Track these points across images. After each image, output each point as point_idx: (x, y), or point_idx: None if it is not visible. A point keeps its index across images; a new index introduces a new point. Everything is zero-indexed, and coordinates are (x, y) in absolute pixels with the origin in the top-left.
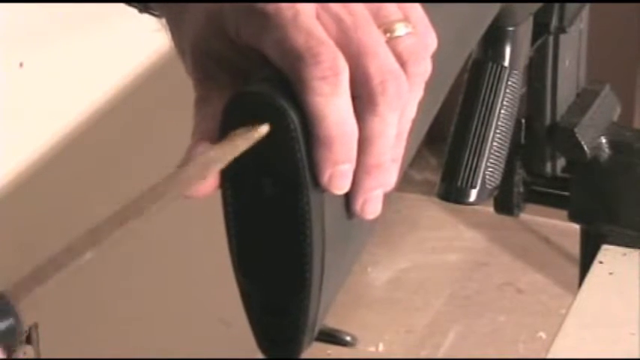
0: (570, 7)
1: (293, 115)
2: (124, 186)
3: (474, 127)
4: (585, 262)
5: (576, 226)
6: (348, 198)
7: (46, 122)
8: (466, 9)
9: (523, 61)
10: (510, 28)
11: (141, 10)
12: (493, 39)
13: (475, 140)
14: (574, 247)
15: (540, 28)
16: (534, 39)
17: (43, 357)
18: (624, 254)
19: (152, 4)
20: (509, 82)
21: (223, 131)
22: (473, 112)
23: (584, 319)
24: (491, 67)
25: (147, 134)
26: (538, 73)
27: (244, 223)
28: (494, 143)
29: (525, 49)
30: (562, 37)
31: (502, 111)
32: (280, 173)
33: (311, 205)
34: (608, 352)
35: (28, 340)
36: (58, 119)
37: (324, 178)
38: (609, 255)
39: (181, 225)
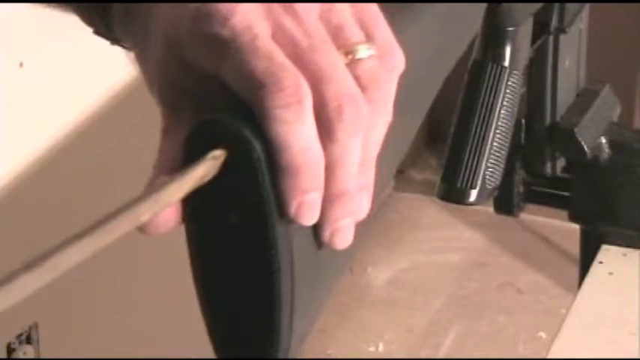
0: (570, 7)
1: (256, 144)
2: (124, 186)
3: (474, 127)
4: (585, 262)
5: (576, 226)
6: (317, 228)
7: (46, 122)
8: (443, 28)
9: (523, 61)
10: (510, 28)
11: (112, 43)
12: (493, 39)
13: (475, 140)
14: (574, 247)
15: (540, 28)
16: (534, 39)
17: (43, 357)
18: (624, 254)
19: (121, 36)
20: (509, 83)
21: (186, 162)
22: (473, 112)
23: (584, 319)
24: (491, 68)
25: (147, 134)
26: (538, 73)
27: (209, 257)
28: (494, 143)
29: (525, 49)
30: (562, 37)
31: (502, 111)
32: (245, 205)
33: (278, 237)
34: (608, 352)
35: (28, 340)
36: (58, 119)
37: (292, 208)
38: (609, 255)
39: (182, 224)
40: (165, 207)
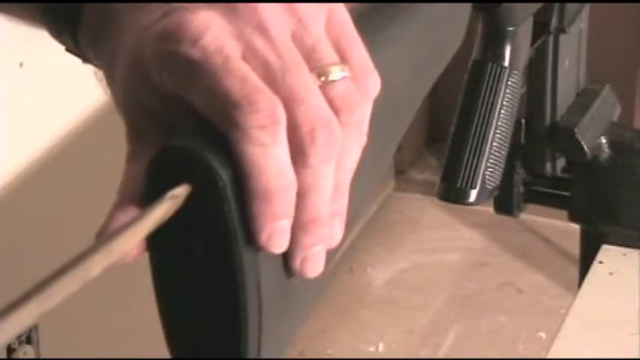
0: (570, 7)
1: (222, 173)
2: None
3: (473, 127)
4: (585, 262)
5: (576, 226)
6: (286, 256)
7: (46, 122)
8: (420, 49)
9: (523, 61)
10: (510, 28)
11: (84, 61)
12: (493, 39)
13: (475, 140)
14: (574, 247)
15: (540, 28)
16: (534, 39)
17: (43, 357)
18: (624, 254)
19: (89, 56)
20: (509, 83)
21: (148, 189)
22: (473, 112)
23: (584, 319)
24: (491, 67)
25: None
26: (538, 73)
27: (173, 286)
28: (494, 143)
29: (525, 49)
30: (562, 37)
31: (502, 111)
32: (210, 234)
33: (244, 267)
34: (608, 352)
35: (28, 340)
36: (58, 119)
37: (262, 236)
38: (609, 255)
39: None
40: (119, 256)
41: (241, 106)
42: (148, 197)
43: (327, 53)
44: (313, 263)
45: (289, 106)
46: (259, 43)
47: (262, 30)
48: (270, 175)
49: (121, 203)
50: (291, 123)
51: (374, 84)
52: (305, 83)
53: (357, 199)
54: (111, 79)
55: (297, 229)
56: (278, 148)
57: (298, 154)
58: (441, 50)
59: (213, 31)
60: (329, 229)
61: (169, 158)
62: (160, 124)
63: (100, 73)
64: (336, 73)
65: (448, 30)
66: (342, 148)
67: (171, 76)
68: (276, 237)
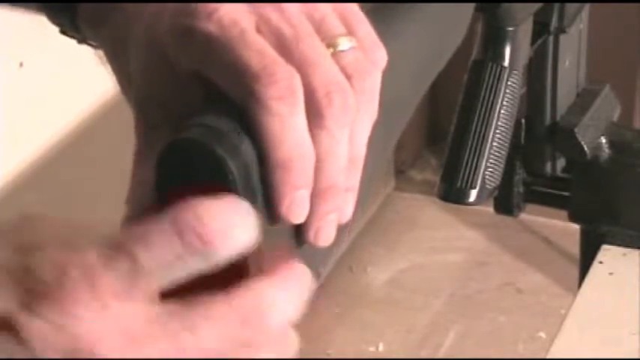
0: (570, 7)
1: (232, 165)
2: (125, 185)
3: (473, 127)
4: (585, 262)
5: (576, 226)
6: (300, 227)
7: (46, 122)
8: (426, 45)
9: (523, 61)
10: (510, 28)
11: (79, 42)
12: (493, 39)
13: (475, 140)
14: (574, 247)
15: (540, 28)
16: (534, 39)
17: None
18: (624, 254)
19: (90, 36)
20: (509, 82)
21: (158, 185)
22: (473, 112)
23: (584, 319)
24: (491, 67)
25: None
26: (538, 73)
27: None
28: (494, 143)
29: (525, 49)
30: (562, 37)
31: (502, 111)
32: None
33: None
34: (608, 352)
35: None
36: (58, 119)
37: (284, 205)
38: (609, 255)
39: None
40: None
41: (260, 77)
42: (158, 190)
43: (335, 24)
44: (326, 232)
45: (304, 72)
46: (272, 15)
47: (274, 4)
48: (289, 145)
49: (133, 215)
50: (307, 89)
51: (381, 56)
52: (318, 50)
53: (365, 182)
54: (116, 59)
55: (314, 197)
56: (297, 119)
57: (315, 117)
58: (444, 47)
59: (227, 6)
60: (343, 200)
61: (179, 150)
62: (169, 113)
63: (101, 52)
64: (345, 43)
65: (451, 27)
66: (356, 119)
67: (188, 52)
68: (296, 206)
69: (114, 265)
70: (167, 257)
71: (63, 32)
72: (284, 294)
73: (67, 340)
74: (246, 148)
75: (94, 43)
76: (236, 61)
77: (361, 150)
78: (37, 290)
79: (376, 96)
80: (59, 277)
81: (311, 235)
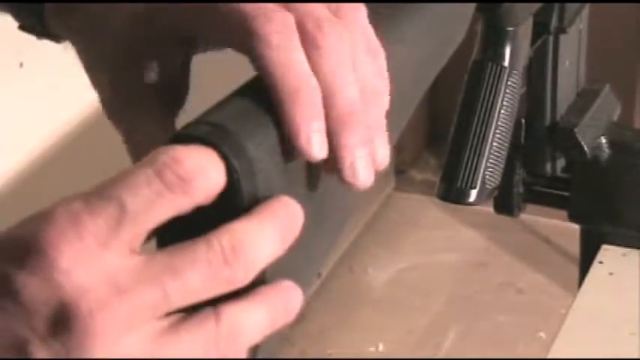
0: (570, 7)
1: (235, 163)
2: None
3: (473, 127)
4: (585, 262)
5: (576, 226)
6: (334, 168)
7: (46, 122)
8: (427, 45)
9: (523, 61)
10: (510, 28)
11: (39, 37)
12: (493, 39)
13: (475, 140)
14: (574, 247)
15: (540, 28)
16: (534, 39)
17: None
18: (624, 254)
19: (58, 29)
20: (509, 82)
21: None
22: (473, 112)
23: (584, 319)
24: (491, 67)
25: None
26: (538, 73)
27: None
28: (494, 143)
29: (525, 49)
30: (562, 37)
31: (502, 111)
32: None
33: None
34: (608, 352)
35: None
36: (58, 119)
37: (302, 139)
38: (609, 255)
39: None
40: None
41: (258, 17)
42: None
43: None
44: (363, 168)
45: (295, 12)
46: None
47: None
48: (295, 74)
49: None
50: (300, 26)
51: (363, 14)
52: None
53: (353, 192)
54: (90, 54)
55: (336, 126)
56: (297, 53)
57: (312, 49)
58: (445, 47)
59: None
60: (370, 136)
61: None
62: (152, 109)
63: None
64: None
65: (452, 27)
66: (356, 50)
67: (185, 13)
68: (314, 137)
69: (99, 210)
70: (150, 197)
71: (22, 28)
72: (265, 230)
73: (53, 293)
74: (262, 141)
75: (60, 39)
76: (234, 10)
77: (372, 81)
78: (25, 242)
79: (368, 30)
80: (46, 227)
81: (348, 173)
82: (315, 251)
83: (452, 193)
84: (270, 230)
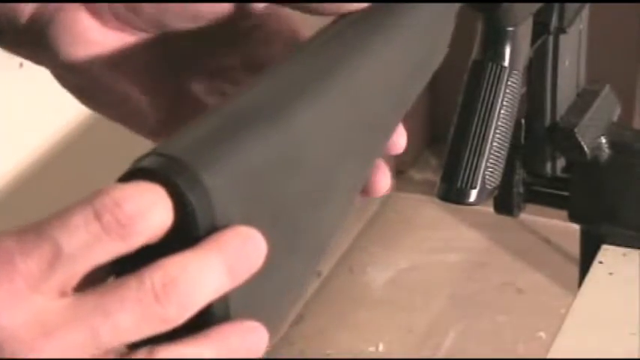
0: (570, 7)
1: (190, 196)
2: None
3: (473, 127)
4: (585, 262)
5: (576, 226)
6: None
7: (46, 122)
8: (405, 60)
9: (523, 61)
10: (510, 28)
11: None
12: (493, 39)
13: (475, 140)
14: (574, 247)
15: (540, 28)
16: (534, 39)
17: None
18: (624, 254)
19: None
20: (509, 82)
21: None
22: (473, 112)
23: (584, 319)
24: (491, 67)
25: None
26: (538, 73)
27: None
28: (494, 143)
29: (525, 49)
30: (562, 37)
31: (502, 111)
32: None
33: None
34: (608, 352)
35: None
36: (58, 119)
37: None
38: (609, 255)
39: None
40: None
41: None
42: None
43: None
44: None
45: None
46: None
47: None
48: None
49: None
50: None
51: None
52: None
53: (332, 215)
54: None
55: None
56: None
57: None
58: (424, 66)
59: None
60: None
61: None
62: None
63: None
64: None
65: (432, 45)
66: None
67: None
68: None
69: (32, 251)
70: (86, 240)
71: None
72: (208, 263)
73: None
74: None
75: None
76: None
77: None
78: None
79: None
80: None
81: None
82: (288, 280)
83: (452, 193)
84: (216, 263)
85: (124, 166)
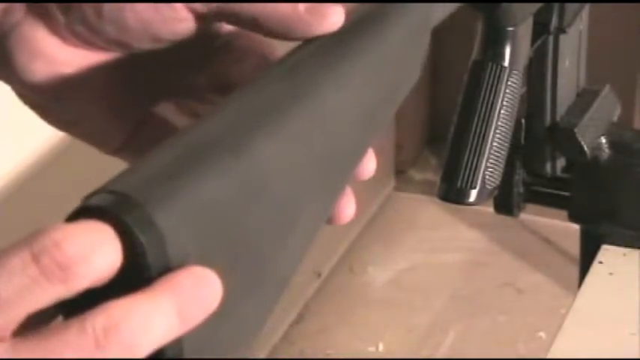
0: (570, 7)
1: (141, 237)
2: None
3: (473, 127)
4: (585, 262)
5: (576, 226)
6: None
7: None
8: (374, 90)
9: (523, 61)
10: (510, 28)
11: None
12: (493, 39)
13: (475, 140)
14: (574, 247)
15: (540, 28)
16: (534, 39)
17: None
18: (624, 254)
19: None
20: (509, 82)
21: None
22: (473, 112)
23: (584, 319)
24: (491, 67)
25: None
26: (538, 73)
27: None
28: (494, 143)
29: (525, 49)
30: (562, 37)
31: (502, 111)
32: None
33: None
34: (608, 352)
35: None
36: None
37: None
38: (609, 255)
39: None
40: None
41: None
42: None
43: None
44: None
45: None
46: None
47: None
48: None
49: None
50: None
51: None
52: None
53: (297, 245)
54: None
55: None
56: None
57: None
58: (396, 90)
59: None
60: None
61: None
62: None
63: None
64: None
65: (404, 69)
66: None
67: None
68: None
69: None
70: (24, 284)
71: None
72: (156, 306)
73: None
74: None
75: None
76: None
77: None
78: None
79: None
80: None
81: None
82: (247, 322)
83: (452, 193)
84: (165, 306)
85: (125, 166)
